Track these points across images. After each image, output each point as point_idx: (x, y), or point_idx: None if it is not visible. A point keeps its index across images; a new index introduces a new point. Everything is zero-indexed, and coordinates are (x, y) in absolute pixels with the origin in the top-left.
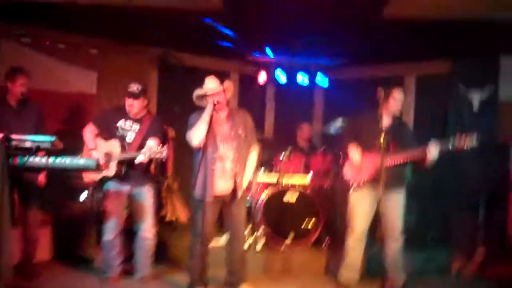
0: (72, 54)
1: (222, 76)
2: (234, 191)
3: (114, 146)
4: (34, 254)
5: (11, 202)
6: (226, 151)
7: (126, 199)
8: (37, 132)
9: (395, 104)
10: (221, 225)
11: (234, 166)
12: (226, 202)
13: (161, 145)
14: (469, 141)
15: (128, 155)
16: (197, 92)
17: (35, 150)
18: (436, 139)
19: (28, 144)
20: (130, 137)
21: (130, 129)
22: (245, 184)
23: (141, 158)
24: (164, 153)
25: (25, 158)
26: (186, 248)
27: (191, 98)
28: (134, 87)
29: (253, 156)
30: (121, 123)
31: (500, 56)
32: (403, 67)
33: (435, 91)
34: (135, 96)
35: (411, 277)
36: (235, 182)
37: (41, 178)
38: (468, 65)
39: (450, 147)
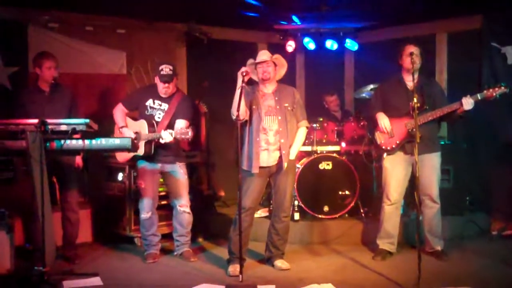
0: (100, 36)
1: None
2: (280, 162)
3: (143, 125)
4: (76, 236)
5: (51, 185)
6: (270, 124)
7: (159, 177)
8: (71, 115)
9: (411, 60)
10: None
11: (279, 139)
12: (273, 173)
13: (191, 125)
14: (499, 90)
15: (155, 135)
16: (250, 61)
17: (71, 133)
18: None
19: (63, 128)
20: (159, 116)
21: (159, 108)
22: (292, 155)
23: (168, 138)
24: (190, 134)
25: (62, 142)
26: (225, 222)
27: (220, 71)
28: (167, 69)
29: (302, 131)
30: (149, 102)
31: None
32: (434, 25)
33: (468, 47)
34: (169, 78)
35: (450, 242)
36: (281, 153)
37: (79, 160)
38: (500, 18)
39: (480, 97)
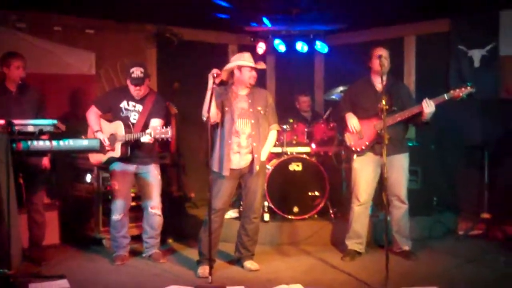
0: (69, 36)
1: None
2: (251, 165)
3: (119, 127)
4: (42, 238)
5: (17, 187)
6: (243, 127)
7: (133, 178)
8: (38, 116)
9: (379, 62)
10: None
11: (251, 142)
12: (244, 175)
13: (165, 125)
14: (465, 90)
15: (133, 135)
16: (235, 62)
17: (38, 134)
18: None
19: (30, 128)
20: (134, 117)
21: (133, 109)
22: (263, 157)
23: (146, 138)
24: (170, 133)
25: (29, 142)
26: (195, 224)
27: (190, 73)
28: (138, 72)
29: (273, 134)
30: (124, 104)
31: (499, 11)
32: (403, 28)
33: (436, 50)
34: (141, 81)
35: (418, 242)
36: (253, 157)
37: (46, 161)
38: (467, 22)
39: (446, 97)
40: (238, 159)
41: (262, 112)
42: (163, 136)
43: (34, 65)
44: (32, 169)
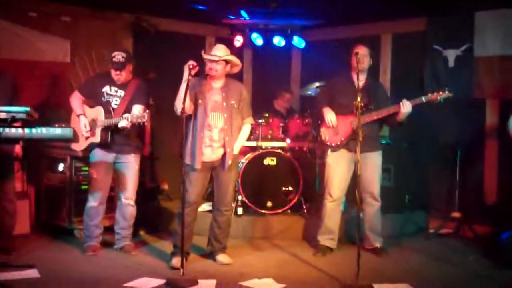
0: (44, 23)
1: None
2: (223, 159)
3: (99, 112)
4: (13, 227)
5: None
6: (215, 121)
7: (112, 167)
8: (11, 103)
9: (358, 60)
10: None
11: (224, 136)
12: (216, 168)
13: (145, 110)
14: (443, 94)
15: (110, 120)
16: (203, 55)
17: (10, 121)
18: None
19: (2, 115)
20: (115, 103)
21: (115, 94)
22: (236, 151)
23: (123, 123)
24: (146, 117)
25: (0, 130)
26: (168, 216)
27: (167, 64)
28: (119, 56)
29: (246, 128)
30: (106, 88)
31: (475, 12)
32: (379, 26)
33: (412, 48)
34: (121, 66)
35: (389, 240)
36: (225, 151)
37: (18, 149)
38: (443, 22)
39: (424, 100)
40: (210, 153)
41: (235, 106)
42: (139, 120)
43: (7, 51)
44: (2, 157)
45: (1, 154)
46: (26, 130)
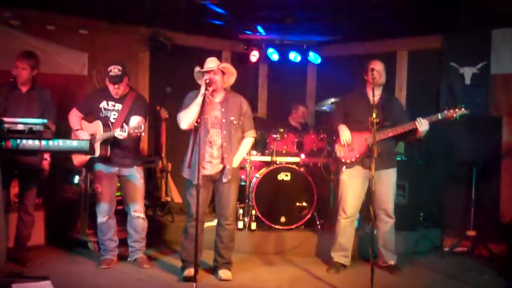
0: (62, 36)
1: (215, 55)
2: (223, 171)
3: (98, 126)
4: (28, 238)
5: (5, 186)
6: (215, 137)
7: (117, 181)
8: (45, 115)
9: (374, 75)
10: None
11: (223, 153)
12: (216, 180)
13: (143, 121)
14: (459, 111)
15: (108, 133)
16: (196, 69)
17: (27, 133)
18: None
19: (20, 127)
20: (114, 117)
21: (113, 109)
22: (235, 164)
23: (120, 133)
24: (142, 127)
25: (18, 141)
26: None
27: (183, 78)
28: (116, 70)
29: (247, 141)
30: (103, 104)
31: (491, 30)
32: (395, 42)
33: (428, 65)
34: (118, 79)
35: (403, 257)
36: (224, 166)
37: (45, 164)
38: (459, 39)
39: (440, 117)
40: (209, 167)
41: (235, 122)
42: (136, 131)
43: None
44: (28, 169)
45: (25, 166)
46: (43, 142)
